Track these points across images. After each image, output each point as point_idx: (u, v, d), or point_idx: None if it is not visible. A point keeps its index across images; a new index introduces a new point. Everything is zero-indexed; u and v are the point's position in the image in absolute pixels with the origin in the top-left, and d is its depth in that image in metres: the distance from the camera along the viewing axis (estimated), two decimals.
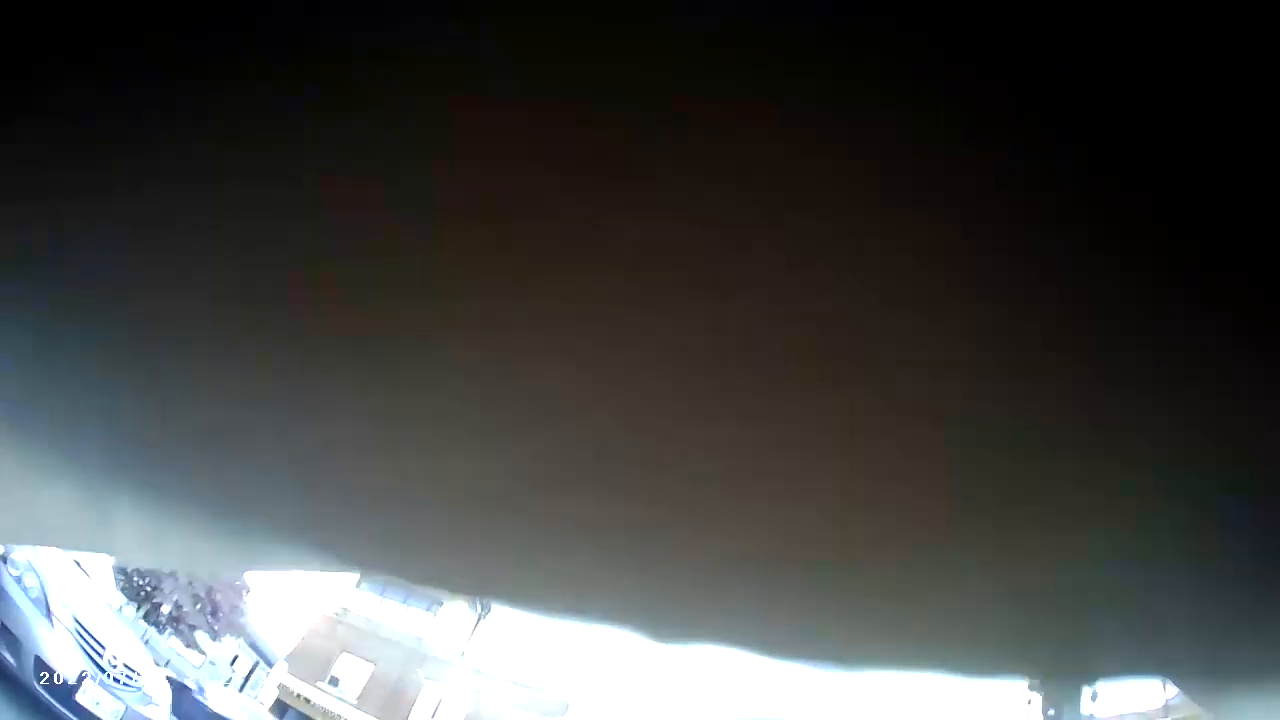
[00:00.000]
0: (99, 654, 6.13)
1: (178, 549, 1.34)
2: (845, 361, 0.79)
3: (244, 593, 13.11)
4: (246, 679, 13.57)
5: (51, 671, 5.58)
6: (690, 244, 0.72)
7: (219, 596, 12.36)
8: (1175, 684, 1.10)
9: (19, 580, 5.68)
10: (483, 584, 1.19)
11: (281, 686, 15.46)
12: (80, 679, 5.82)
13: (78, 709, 5.77)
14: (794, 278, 0.73)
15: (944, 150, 0.63)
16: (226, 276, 0.86)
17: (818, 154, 0.66)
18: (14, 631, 5.52)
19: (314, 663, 17.68)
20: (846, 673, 1.14)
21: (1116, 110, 0.59)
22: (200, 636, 12.05)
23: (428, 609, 19.11)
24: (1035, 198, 0.65)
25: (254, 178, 0.77)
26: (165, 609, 11.23)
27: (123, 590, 10.22)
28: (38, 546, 5.48)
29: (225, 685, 12.46)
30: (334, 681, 18.04)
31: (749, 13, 0.59)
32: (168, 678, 7.06)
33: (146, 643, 9.24)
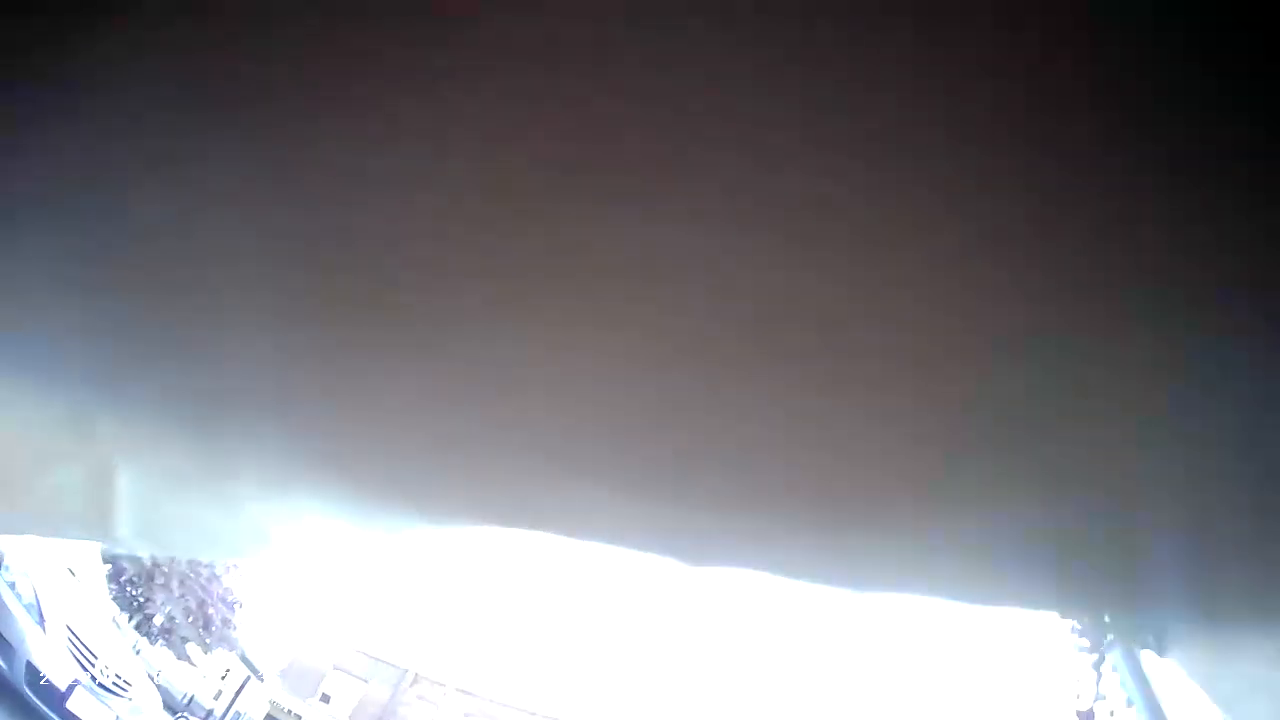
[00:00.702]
0: (91, 662, 6.10)
1: (182, 532, 1.33)
2: (860, 330, 0.83)
3: (237, 607, 13.00)
4: (237, 693, 13.42)
5: (44, 678, 5.56)
6: (697, 240, 0.77)
7: (211, 610, 12.26)
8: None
9: (13, 586, 5.66)
10: (528, 518, 1.22)
11: (272, 702, 15.30)
12: (72, 686, 5.79)
13: (69, 716, 5.73)
14: (797, 266, 0.77)
15: (944, 149, 0.66)
16: (266, 261, 0.90)
17: (818, 152, 0.69)
18: (7, 637, 5.49)
19: (305, 679, 17.50)
20: (884, 597, 1.19)
21: (1114, 107, 0.62)
22: (191, 649, 11.94)
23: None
24: (1035, 192, 0.68)
25: (294, 170, 0.81)
26: (157, 620, 11.13)
27: (115, 600, 10.15)
28: (36, 538, 5.45)
29: (215, 699, 12.35)
30: (325, 699, 17.86)
31: (750, 14, 0.62)
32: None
33: (138, 653, 9.19)
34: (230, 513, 1.30)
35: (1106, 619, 1.16)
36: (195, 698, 11.52)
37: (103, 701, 6.12)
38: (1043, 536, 1.02)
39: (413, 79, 0.71)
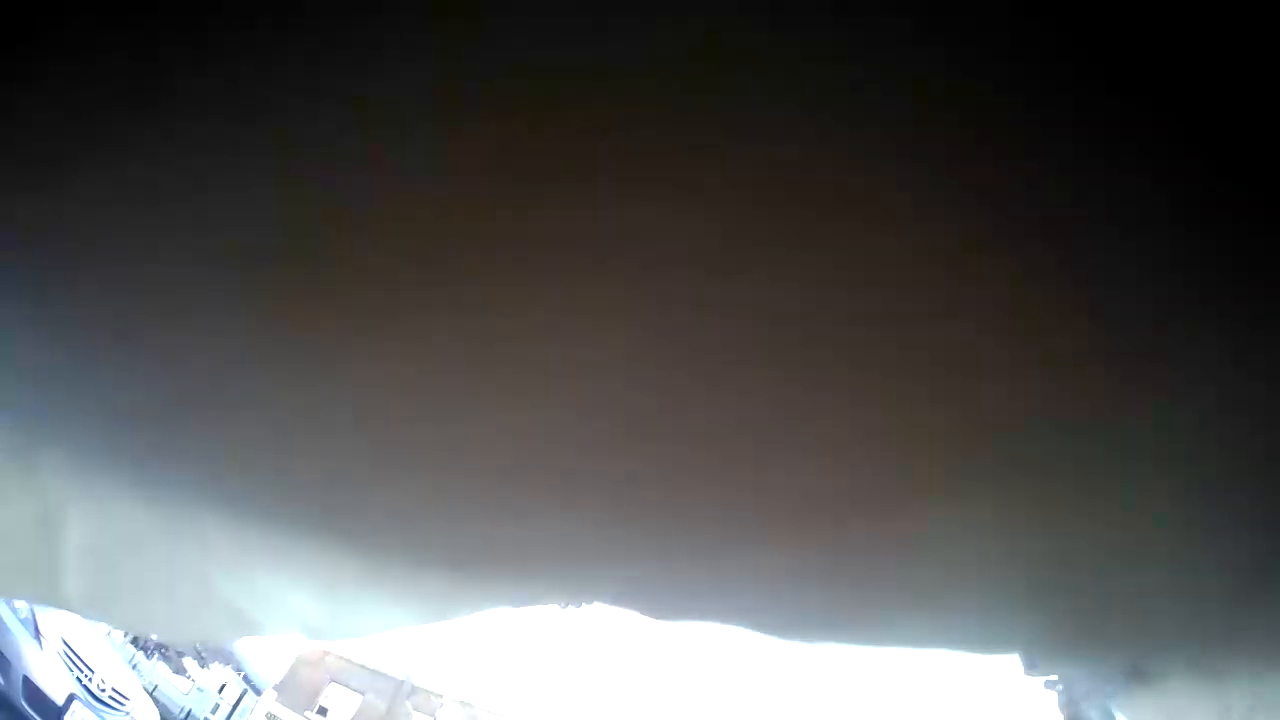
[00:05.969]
0: (88, 677, 6.08)
1: (139, 604, 1.15)
2: (848, 342, 0.80)
3: None
4: (234, 707, 13.34)
5: (40, 692, 5.54)
6: (691, 231, 0.74)
7: None
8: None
9: (8, 601, 5.65)
10: (480, 565, 1.12)
11: (269, 715, 15.20)
12: (69, 701, 5.76)
13: None
14: (794, 261, 0.75)
15: (943, 146, 0.66)
16: (230, 268, 0.84)
17: (817, 149, 0.68)
18: (4, 652, 5.47)
19: (302, 692, 17.39)
20: (850, 648, 1.13)
21: (1110, 108, 0.62)
22: (188, 663, 11.86)
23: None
24: (1036, 194, 0.67)
25: (256, 158, 0.76)
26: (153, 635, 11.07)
27: None
28: None
29: (213, 713, 12.27)
30: (322, 712, 17.75)
31: (751, 11, 0.62)
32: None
33: (134, 667, 9.14)
34: (198, 588, 1.13)
35: (1084, 670, 1.13)
36: (192, 711, 11.45)
37: (100, 715, 6.10)
38: (1039, 573, 0.98)
39: (391, 68, 0.69)
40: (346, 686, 18.30)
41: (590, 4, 0.64)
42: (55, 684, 5.69)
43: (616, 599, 1.10)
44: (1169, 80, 0.61)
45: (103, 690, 6.20)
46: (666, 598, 1.12)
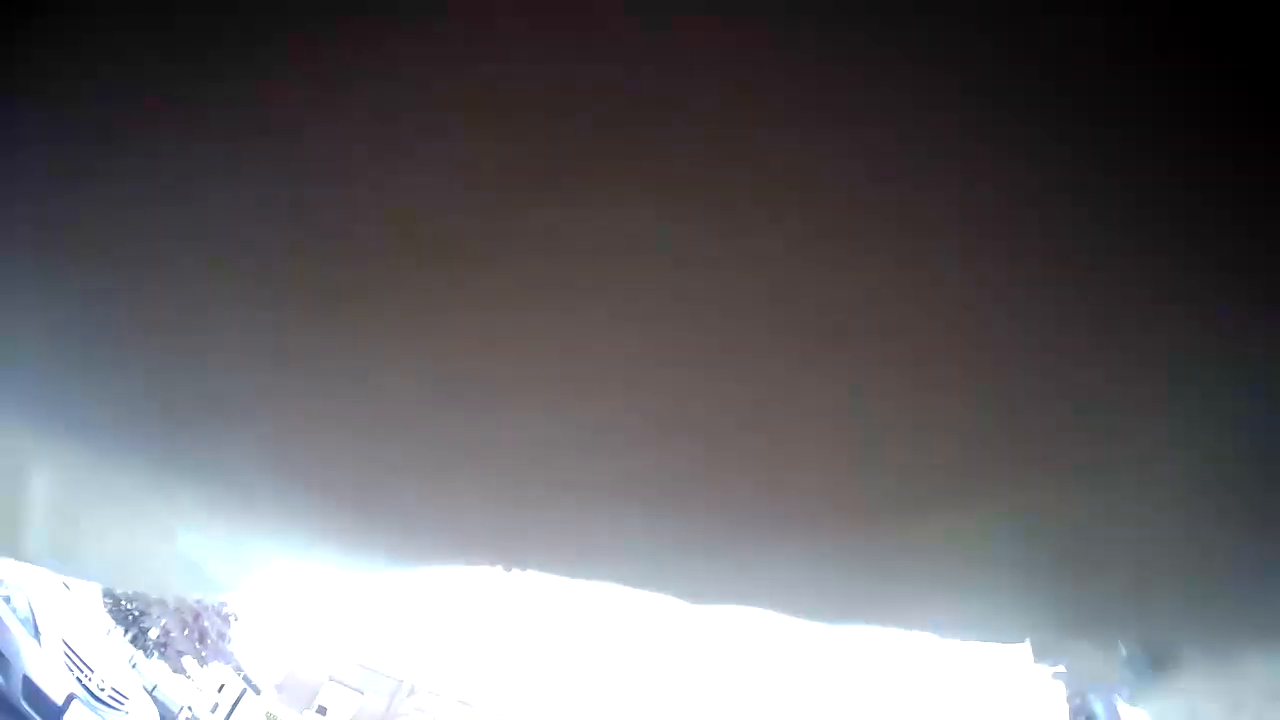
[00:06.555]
0: (87, 676, 6.09)
1: (93, 555, 1.17)
2: (874, 343, 0.81)
3: (232, 620, 12.93)
4: (234, 706, 13.33)
5: (40, 692, 5.55)
6: (707, 231, 0.75)
7: (207, 623, 12.17)
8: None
9: (8, 600, 5.65)
10: (516, 553, 1.13)
11: (269, 714, 15.20)
12: (68, 700, 5.78)
13: None
14: (816, 261, 0.76)
15: (941, 133, 0.66)
16: (246, 263, 0.85)
17: (814, 138, 0.68)
18: (3, 651, 5.48)
19: (301, 691, 17.41)
20: (872, 631, 1.14)
21: (1112, 99, 0.62)
22: (188, 662, 11.85)
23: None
24: (1044, 194, 0.68)
25: (276, 162, 0.77)
26: (153, 634, 11.05)
27: (111, 614, 10.09)
28: None
29: (212, 712, 12.27)
30: (321, 710, 17.77)
31: (753, 10, 0.62)
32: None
33: (134, 667, 9.14)
34: (160, 541, 1.15)
35: (1095, 654, 1.13)
36: (192, 710, 11.45)
37: (99, 715, 6.12)
38: (1053, 559, 0.99)
39: (396, 71, 0.70)
40: (345, 685, 18.30)
41: (594, 4, 0.64)
42: (55, 683, 5.71)
43: (653, 584, 1.13)
44: (1170, 80, 0.61)
45: (102, 690, 6.21)
46: (699, 583, 1.14)
